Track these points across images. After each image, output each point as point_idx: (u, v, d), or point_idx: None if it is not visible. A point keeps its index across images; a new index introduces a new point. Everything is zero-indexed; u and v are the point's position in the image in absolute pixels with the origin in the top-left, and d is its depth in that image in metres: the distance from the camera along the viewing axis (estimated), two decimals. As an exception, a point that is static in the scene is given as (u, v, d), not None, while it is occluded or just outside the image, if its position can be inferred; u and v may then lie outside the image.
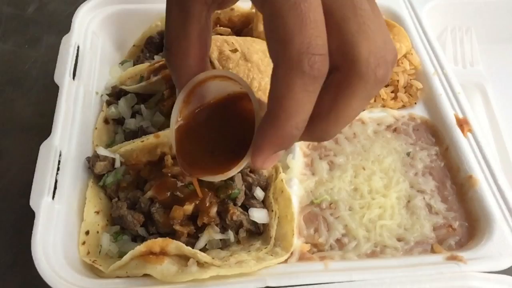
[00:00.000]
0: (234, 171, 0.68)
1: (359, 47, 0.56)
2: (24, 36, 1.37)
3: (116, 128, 1.12)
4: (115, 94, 1.15)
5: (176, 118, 0.72)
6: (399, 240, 0.95)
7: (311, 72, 0.55)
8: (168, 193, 0.94)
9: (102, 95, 1.15)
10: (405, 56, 1.20)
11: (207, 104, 0.73)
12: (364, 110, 0.66)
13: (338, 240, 0.95)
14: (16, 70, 1.30)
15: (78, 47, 1.16)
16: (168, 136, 0.98)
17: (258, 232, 0.96)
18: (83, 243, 0.92)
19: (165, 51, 0.68)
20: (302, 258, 0.91)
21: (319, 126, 0.63)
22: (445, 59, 1.22)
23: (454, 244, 0.95)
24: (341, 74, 0.58)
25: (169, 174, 0.95)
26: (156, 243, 0.86)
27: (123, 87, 1.14)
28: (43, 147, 0.96)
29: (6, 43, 1.36)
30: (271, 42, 0.56)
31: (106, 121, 1.11)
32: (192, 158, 0.73)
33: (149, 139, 0.99)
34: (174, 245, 0.86)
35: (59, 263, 0.85)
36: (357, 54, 0.57)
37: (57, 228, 0.89)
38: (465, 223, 0.98)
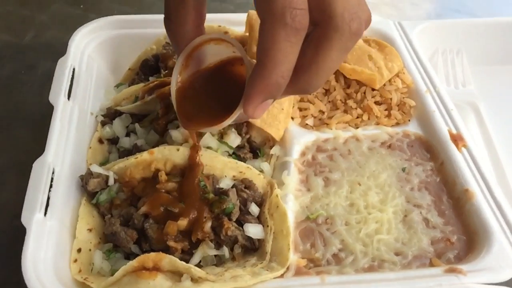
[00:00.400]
0: (228, 121, 0.78)
1: (335, 4, 0.66)
2: (22, 62, 1.39)
3: (110, 148, 1.12)
4: (110, 115, 1.15)
5: (176, 80, 0.83)
6: (397, 254, 0.93)
7: (293, 24, 0.64)
8: (162, 209, 0.93)
9: (97, 116, 1.16)
10: (397, 75, 1.22)
11: (205, 68, 0.85)
12: (341, 62, 0.76)
13: (335, 255, 0.93)
14: (12, 95, 1.31)
15: (74, 69, 1.17)
16: (162, 152, 0.98)
17: (253, 248, 0.95)
18: (75, 260, 0.90)
19: (165, 20, 0.80)
20: (298, 273, 0.89)
21: (302, 78, 0.73)
22: (437, 78, 1.23)
23: (452, 257, 0.93)
24: (320, 29, 0.68)
25: (163, 190, 0.95)
26: (149, 257, 0.85)
27: (118, 107, 1.15)
28: (36, 164, 0.96)
29: (3, 69, 1.37)
30: (258, 1, 0.66)
31: (100, 141, 1.11)
32: (190, 115, 0.85)
33: (143, 156, 0.98)
34: (167, 260, 0.85)
35: (50, 280, 0.83)
36: (333, 10, 0.66)
37: (48, 245, 0.87)
38: (463, 236, 0.97)
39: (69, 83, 1.13)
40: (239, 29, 1.29)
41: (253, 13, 1.21)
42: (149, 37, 1.30)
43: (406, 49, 1.30)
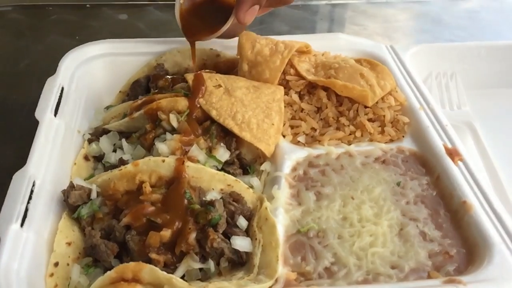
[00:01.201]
0: (225, 27, 1.01)
1: None
2: (13, 87, 1.38)
3: (96, 165, 1.09)
4: (97, 133, 1.13)
5: (179, 1, 1.05)
6: (392, 267, 0.88)
7: None
8: (145, 220, 0.88)
9: (84, 134, 1.13)
10: (390, 93, 1.20)
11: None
12: None
13: (327, 269, 0.88)
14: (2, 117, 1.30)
15: (63, 88, 1.16)
16: (147, 163, 0.95)
17: (240, 261, 0.90)
18: (51, 274, 0.85)
19: None
20: (287, 286, 0.84)
21: None
22: (431, 96, 1.21)
23: (452, 270, 0.88)
24: None
25: (147, 202, 0.91)
26: (128, 267, 0.80)
27: (106, 126, 1.13)
28: (16, 175, 0.92)
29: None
30: None
31: (86, 157, 1.08)
32: (192, 31, 1.08)
33: (128, 167, 0.95)
34: (147, 270, 0.80)
35: (22, 290, 0.78)
36: None
37: (23, 257, 0.82)
38: (462, 249, 0.91)
39: (56, 100, 1.11)
40: (231, 53, 1.29)
41: (244, 33, 1.21)
42: (140, 61, 1.30)
43: (399, 70, 1.29)
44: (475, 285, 0.81)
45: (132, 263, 0.81)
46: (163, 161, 0.95)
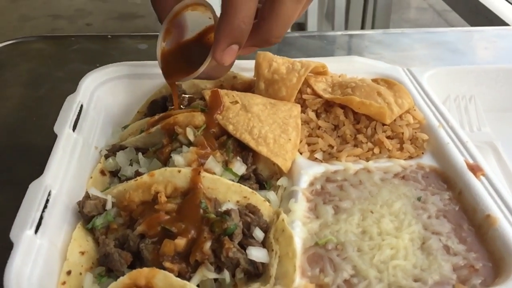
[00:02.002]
0: (202, 67, 0.92)
1: None
2: (34, 110, 1.41)
3: (112, 180, 1.08)
4: (114, 149, 1.13)
5: (161, 44, 1.02)
6: (415, 281, 0.84)
7: None
8: (159, 228, 0.87)
9: (101, 150, 1.14)
10: (408, 111, 1.19)
11: (186, 40, 1.03)
12: (299, 11, 0.91)
13: (346, 281, 0.85)
14: (20, 139, 1.31)
15: (82, 105, 1.17)
16: (163, 174, 0.94)
17: (256, 273, 0.87)
18: (63, 283, 0.83)
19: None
20: (305, 295, 0.80)
21: (263, 27, 0.89)
22: (449, 115, 1.20)
23: (478, 284, 0.84)
24: None
25: (162, 211, 0.90)
26: (141, 273, 0.78)
27: (123, 142, 1.13)
28: (32, 185, 0.92)
29: (15, 115, 1.39)
30: None
31: (102, 172, 1.08)
32: (173, 73, 1.03)
33: (143, 178, 0.95)
34: (161, 276, 0.78)
35: (33, 296, 0.76)
36: None
37: (36, 263, 0.81)
38: (488, 263, 0.88)
39: (75, 117, 1.12)
40: (248, 75, 1.30)
41: (260, 53, 1.23)
42: (158, 83, 1.31)
43: (416, 90, 1.28)
44: (504, 297, 0.77)
45: (145, 269, 0.79)
46: (179, 171, 0.94)
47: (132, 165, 1.06)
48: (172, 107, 1.16)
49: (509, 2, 2.36)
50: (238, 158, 1.04)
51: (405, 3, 5.48)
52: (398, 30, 1.91)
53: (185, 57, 1.02)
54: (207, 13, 0.97)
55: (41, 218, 0.88)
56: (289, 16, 0.87)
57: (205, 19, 1.00)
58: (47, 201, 0.91)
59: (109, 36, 1.80)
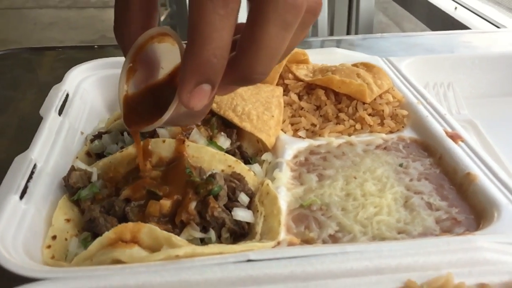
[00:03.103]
0: (167, 114, 0.69)
1: None
2: (21, 110, 1.42)
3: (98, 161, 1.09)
4: (100, 135, 1.14)
5: (123, 85, 0.77)
6: (399, 233, 0.85)
7: None
8: (144, 191, 0.87)
9: (87, 136, 1.15)
10: (387, 91, 1.22)
11: (153, 83, 0.77)
12: (289, 43, 0.63)
13: (331, 236, 0.85)
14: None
15: (68, 94, 1.19)
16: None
17: (242, 232, 0.87)
18: (48, 246, 0.83)
19: (114, 25, 0.72)
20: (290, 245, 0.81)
21: (243, 61, 0.63)
22: (427, 93, 1.23)
23: (461, 232, 0.85)
24: (253, 3, 0.60)
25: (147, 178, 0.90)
26: (126, 227, 0.79)
27: (109, 128, 1.14)
28: (17, 158, 0.93)
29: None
30: None
31: (88, 154, 1.09)
32: (137, 119, 0.77)
33: (128, 150, 0.96)
34: (146, 230, 0.78)
35: (18, 254, 0.76)
36: None
37: (20, 226, 0.81)
38: (470, 216, 0.89)
39: (61, 103, 1.14)
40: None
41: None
42: (144, 77, 1.34)
43: (395, 75, 1.32)
44: (486, 236, 0.78)
45: (131, 223, 0.79)
46: (164, 141, 0.96)
47: (117, 144, 1.07)
48: None
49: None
50: (222, 133, 1.06)
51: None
52: (377, 35, 1.97)
53: (153, 101, 0.80)
54: (176, 45, 0.73)
55: (26, 187, 0.88)
56: (274, 48, 0.62)
57: (177, 53, 0.73)
58: (32, 173, 0.92)
59: (95, 47, 1.84)
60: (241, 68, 0.64)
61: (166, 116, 0.70)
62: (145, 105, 0.78)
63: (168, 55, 0.76)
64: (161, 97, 0.77)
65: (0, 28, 6.45)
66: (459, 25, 2.47)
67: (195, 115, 0.77)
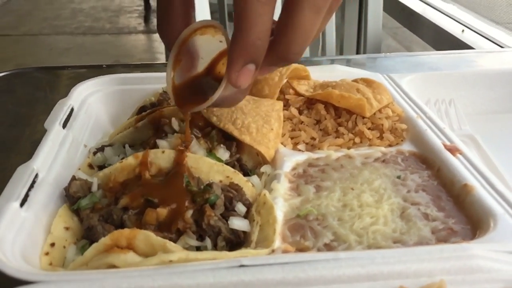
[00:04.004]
0: (216, 94, 0.82)
1: None
2: (29, 125, 1.45)
3: (100, 173, 1.11)
4: (103, 147, 1.16)
5: (170, 75, 0.92)
6: (395, 242, 0.85)
7: None
8: (142, 199, 0.89)
9: (90, 149, 1.17)
10: (387, 106, 1.23)
11: (197, 74, 0.94)
12: (319, 26, 0.76)
13: (326, 244, 0.85)
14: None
15: (73, 108, 1.22)
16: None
17: (238, 241, 0.88)
18: (47, 253, 0.84)
19: (157, 24, 0.87)
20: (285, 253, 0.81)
21: (281, 43, 0.76)
22: (427, 108, 1.24)
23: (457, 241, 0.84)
24: None
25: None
26: (122, 234, 0.80)
27: (111, 141, 1.17)
28: (20, 168, 0.95)
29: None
30: None
31: (90, 166, 1.11)
32: (185, 102, 0.93)
33: (128, 160, 0.98)
34: (142, 236, 0.79)
35: (16, 258, 0.77)
36: None
37: (19, 233, 0.83)
38: (467, 226, 0.89)
39: (65, 116, 1.17)
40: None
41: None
42: (149, 92, 1.37)
43: (395, 91, 1.33)
44: (481, 245, 0.78)
45: (126, 229, 0.80)
46: (163, 152, 0.97)
47: (119, 156, 1.09)
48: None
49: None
50: (221, 145, 1.07)
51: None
52: (381, 54, 1.99)
53: (198, 88, 0.93)
54: (218, 35, 0.86)
55: (27, 195, 0.90)
56: (308, 30, 0.73)
57: (216, 43, 0.88)
58: (34, 182, 0.94)
59: (104, 66, 1.88)
60: (280, 49, 0.76)
61: (216, 95, 0.82)
62: (191, 90, 0.93)
63: (207, 46, 0.90)
64: (204, 83, 0.93)
65: (17, 54, 6.66)
66: (466, 48, 2.49)
67: (239, 94, 0.91)
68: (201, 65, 0.94)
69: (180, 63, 0.92)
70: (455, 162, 1.02)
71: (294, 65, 1.27)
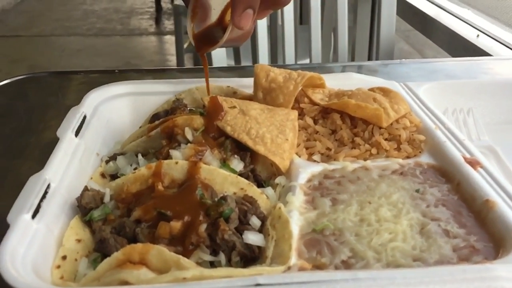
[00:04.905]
0: (225, 36, 1.04)
1: None
2: (41, 132, 1.44)
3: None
4: (115, 156, 1.15)
5: (190, 25, 1.13)
6: (414, 260, 0.83)
7: None
8: (155, 212, 0.87)
9: (102, 157, 1.16)
10: (404, 116, 1.21)
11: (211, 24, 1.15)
12: None
13: (344, 262, 0.83)
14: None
15: (85, 116, 1.21)
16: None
17: (253, 256, 0.86)
18: (58, 266, 0.83)
19: None
20: (301, 270, 0.79)
21: None
22: (445, 118, 1.21)
23: (480, 261, 0.82)
24: None
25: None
26: (135, 249, 0.78)
27: (124, 149, 1.15)
28: (32, 178, 0.94)
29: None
30: None
31: (102, 175, 1.09)
32: (202, 46, 1.15)
33: (141, 171, 0.96)
34: (155, 252, 0.77)
35: (27, 273, 0.76)
36: None
37: (31, 246, 0.81)
38: (489, 244, 0.86)
39: (78, 124, 1.15)
40: (248, 91, 1.34)
41: (258, 65, 1.27)
42: (161, 100, 1.35)
43: (413, 100, 1.31)
44: (504, 266, 0.75)
45: (139, 244, 0.78)
46: (176, 163, 0.96)
47: (132, 165, 1.08)
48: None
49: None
50: (235, 156, 1.06)
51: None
52: (396, 61, 1.96)
53: (212, 35, 1.13)
54: None
55: (39, 206, 0.89)
56: None
57: None
58: (46, 192, 0.92)
59: (116, 71, 1.87)
60: None
61: (225, 37, 1.04)
62: (206, 38, 1.14)
63: None
64: (216, 32, 1.14)
65: (28, 55, 6.70)
66: (481, 53, 2.45)
67: (242, 37, 1.12)
68: (214, 16, 1.15)
69: (197, 15, 1.13)
70: (476, 176, 0.99)
71: (309, 73, 1.25)
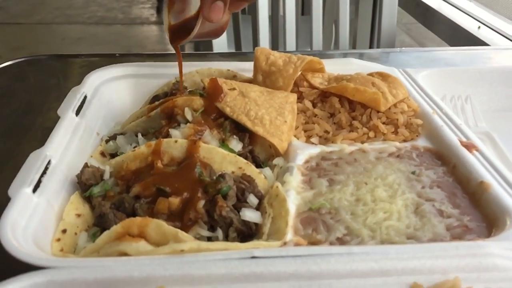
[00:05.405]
0: (195, 29, 1.02)
1: None
2: (42, 112, 1.45)
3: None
4: (115, 136, 1.16)
5: (167, 16, 1.10)
6: (408, 238, 0.84)
7: None
8: (154, 188, 0.88)
9: (102, 137, 1.17)
10: (402, 101, 1.22)
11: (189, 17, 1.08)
12: None
13: (339, 239, 0.85)
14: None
15: (86, 96, 1.21)
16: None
17: (250, 233, 0.87)
18: (58, 239, 0.84)
19: None
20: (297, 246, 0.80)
21: None
22: (443, 103, 1.22)
23: (472, 239, 0.83)
24: None
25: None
26: (134, 222, 0.79)
27: (124, 130, 1.16)
28: (32, 154, 0.95)
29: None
30: None
31: (102, 154, 1.10)
32: (175, 38, 1.11)
33: (141, 149, 0.97)
34: (153, 225, 0.79)
35: (27, 244, 0.77)
36: None
37: (31, 218, 0.83)
38: (482, 224, 0.87)
39: (78, 104, 1.16)
40: (248, 75, 1.34)
41: (258, 48, 1.28)
42: (161, 82, 1.36)
43: (411, 85, 1.31)
44: (497, 243, 0.76)
45: (138, 218, 0.80)
46: (176, 141, 0.97)
47: (131, 145, 1.09)
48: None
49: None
50: (234, 136, 1.07)
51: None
52: (396, 49, 1.97)
53: (188, 27, 1.07)
54: None
55: (39, 182, 0.90)
56: None
57: None
58: (47, 168, 0.94)
59: (116, 55, 1.88)
60: None
61: (195, 30, 1.02)
62: (182, 31, 1.08)
63: None
64: (193, 24, 1.05)
65: (29, 42, 6.67)
66: (482, 44, 2.45)
67: (216, 31, 1.11)
68: (194, 9, 1.07)
69: (174, 6, 1.10)
70: (472, 159, 1.00)
71: (309, 57, 1.25)
